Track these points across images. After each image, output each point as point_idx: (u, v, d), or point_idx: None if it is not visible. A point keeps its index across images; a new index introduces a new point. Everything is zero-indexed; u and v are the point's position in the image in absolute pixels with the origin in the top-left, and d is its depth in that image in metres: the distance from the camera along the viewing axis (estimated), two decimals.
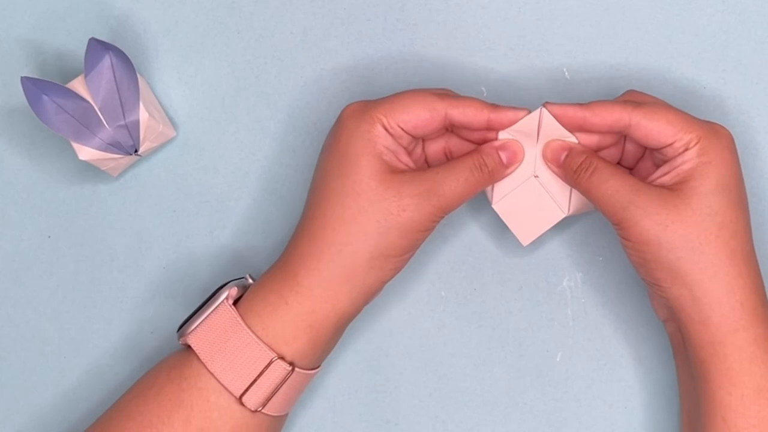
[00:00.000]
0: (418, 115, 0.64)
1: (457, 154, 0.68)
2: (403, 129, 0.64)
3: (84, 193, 0.74)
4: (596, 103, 0.64)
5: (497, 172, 0.66)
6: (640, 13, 0.72)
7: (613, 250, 0.71)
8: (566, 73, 0.72)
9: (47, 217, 0.74)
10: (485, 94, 0.72)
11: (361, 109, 0.65)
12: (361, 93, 0.73)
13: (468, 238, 0.72)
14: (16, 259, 0.74)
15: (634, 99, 0.66)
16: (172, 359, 0.67)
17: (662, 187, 0.63)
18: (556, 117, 0.65)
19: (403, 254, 0.65)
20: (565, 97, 0.72)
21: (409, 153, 0.66)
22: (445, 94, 0.66)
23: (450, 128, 0.67)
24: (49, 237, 0.74)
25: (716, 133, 0.63)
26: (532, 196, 0.66)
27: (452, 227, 0.72)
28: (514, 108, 0.65)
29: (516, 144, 0.66)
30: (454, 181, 0.64)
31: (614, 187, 0.63)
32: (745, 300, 0.61)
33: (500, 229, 0.72)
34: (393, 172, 0.64)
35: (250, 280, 0.68)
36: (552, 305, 0.72)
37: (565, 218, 0.66)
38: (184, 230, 0.74)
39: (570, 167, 0.65)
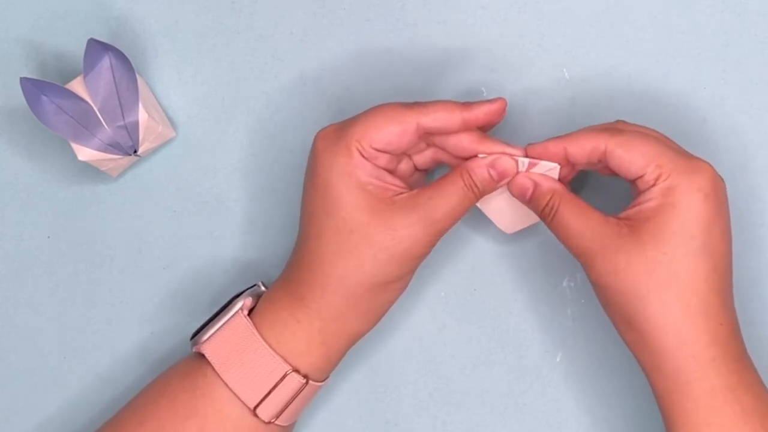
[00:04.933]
0: (389, 131, 0.62)
1: (450, 162, 0.67)
2: (376, 149, 0.63)
3: (84, 194, 0.74)
4: (574, 133, 0.63)
5: (488, 189, 0.64)
6: (640, 14, 0.72)
7: None
8: (566, 73, 0.72)
9: (47, 217, 0.74)
10: (485, 94, 0.72)
11: (334, 137, 0.63)
12: (361, 93, 0.73)
13: (468, 238, 0.72)
14: (16, 259, 0.74)
15: (618, 127, 0.63)
16: (183, 366, 0.67)
17: (626, 223, 0.61)
18: (538, 157, 0.63)
19: (405, 276, 0.65)
20: (565, 97, 0.72)
21: (393, 171, 0.65)
22: (414, 103, 0.64)
23: (429, 141, 0.65)
24: (49, 237, 0.74)
25: (690, 172, 0.60)
26: (513, 202, 0.66)
27: (452, 227, 0.72)
28: (486, 102, 0.64)
29: (506, 162, 0.64)
30: (446, 205, 0.63)
31: (572, 230, 0.62)
32: (699, 353, 0.59)
33: (500, 229, 0.71)
34: (381, 201, 0.63)
35: (263, 288, 0.68)
36: (552, 305, 0.72)
37: None
38: (184, 230, 0.74)
39: (537, 208, 0.64)
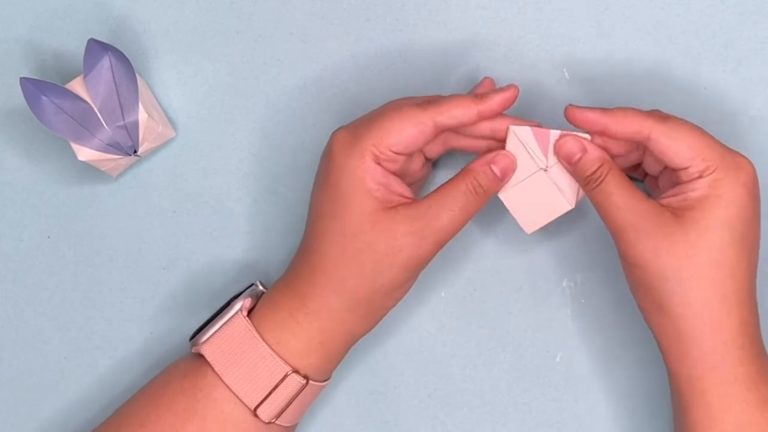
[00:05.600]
0: (406, 134, 0.62)
1: (460, 146, 0.67)
2: (394, 152, 0.62)
3: (83, 194, 0.74)
4: (619, 111, 0.62)
5: (493, 189, 0.64)
6: (640, 14, 0.72)
7: (612, 251, 0.71)
8: (566, 73, 0.72)
9: (47, 218, 0.74)
10: None
11: (350, 140, 0.63)
12: (361, 93, 0.73)
13: (468, 238, 0.72)
14: (16, 259, 0.74)
15: (661, 114, 0.63)
16: (182, 367, 0.67)
17: (668, 209, 0.61)
18: (577, 118, 0.63)
19: (406, 283, 0.65)
20: (564, 98, 0.72)
21: (404, 174, 0.65)
22: (427, 102, 0.63)
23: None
24: (49, 237, 0.74)
25: (736, 167, 0.61)
26: (539, 189, 0.65)
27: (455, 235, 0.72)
28: (499, 91, 0.63)
29: (507, 157, 0.64)
30: (448, 213, 0.62)
31: (617, 203, 0.62)
32: (730, 340, 0.60)
33: (500, 229, 0.72)
34: (385, 209, 0.62)
35: (260, 287, 0.68)
36: (552, 305, 0.72)
37: (572, 210, 0.66)
38: (184, 231, 0.74)
39: (581, 173, 0.63)
